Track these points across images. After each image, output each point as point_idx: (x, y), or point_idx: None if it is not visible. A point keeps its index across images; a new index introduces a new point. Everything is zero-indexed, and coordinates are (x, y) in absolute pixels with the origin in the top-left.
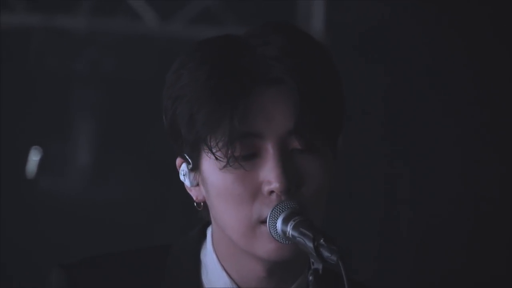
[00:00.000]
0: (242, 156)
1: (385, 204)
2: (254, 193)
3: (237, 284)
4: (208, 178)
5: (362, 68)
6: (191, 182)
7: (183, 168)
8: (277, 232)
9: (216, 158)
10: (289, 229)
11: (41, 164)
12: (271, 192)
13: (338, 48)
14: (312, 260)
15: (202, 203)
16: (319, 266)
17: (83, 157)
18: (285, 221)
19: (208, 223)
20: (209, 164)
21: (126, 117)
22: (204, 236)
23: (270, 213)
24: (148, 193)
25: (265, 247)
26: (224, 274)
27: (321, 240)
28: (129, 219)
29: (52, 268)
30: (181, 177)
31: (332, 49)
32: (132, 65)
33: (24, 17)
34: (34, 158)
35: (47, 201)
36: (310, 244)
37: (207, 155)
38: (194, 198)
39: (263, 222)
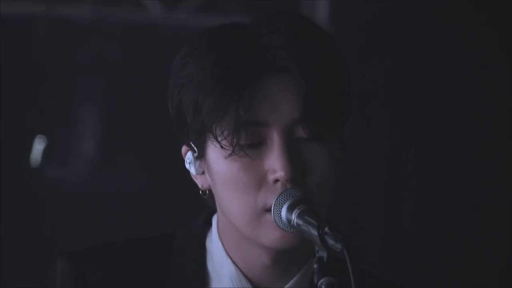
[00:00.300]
0: (248, 145)
1: (388, 199)
2: (259, 181)
3: (242, 272)
4: (214, 167)
5: (366, 59)
6: (196, 170)
7: (188, 156)
8: (282, 220)
9: (222, 147)
10: (294, 217)
11: (46, 153)
12: (276, 180)
13: (343, 39)
14: (317, 248)
15: (207, 191)
16: (324, 254)
17: (88, 146)
18: (290, 209)
19: (213, 211)
20: (215, 153)
21: (131, 106)
22: (209, 224)
23: (275, 201)
24: (154, 182)
25: (270, 235)
26: (230, 261)
27: (326, 228)
28: (135, 208)
29: (57, 256)
30: (187, 165)
31: (337, 40)
32: (137, 54)
33: (27, 6)
34: (38, 147)
35: (52, 191)
36: (315, 232)
37: (212, 144)
38: (200, 186)
39: (268, 210)
